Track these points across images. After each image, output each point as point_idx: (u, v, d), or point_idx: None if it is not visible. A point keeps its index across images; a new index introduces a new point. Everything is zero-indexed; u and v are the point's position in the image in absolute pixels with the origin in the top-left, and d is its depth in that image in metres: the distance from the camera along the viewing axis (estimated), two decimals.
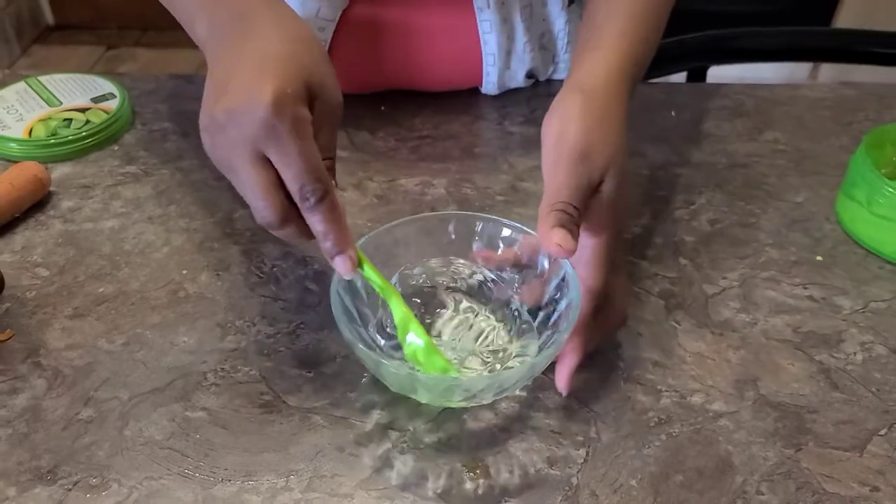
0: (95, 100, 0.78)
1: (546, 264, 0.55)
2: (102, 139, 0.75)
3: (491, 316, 0.55)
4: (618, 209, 0.52)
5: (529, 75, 0.82)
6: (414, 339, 0.51)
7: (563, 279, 0.53)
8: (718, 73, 0.97)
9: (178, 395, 0.54)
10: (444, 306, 0.55)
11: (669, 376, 0.55)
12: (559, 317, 0.52)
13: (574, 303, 0.50)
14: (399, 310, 0.51)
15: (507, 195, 0.70)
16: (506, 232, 0.57)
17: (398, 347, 0.53)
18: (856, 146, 0.67)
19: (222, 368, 0.55)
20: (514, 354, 0.53)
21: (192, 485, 0.48)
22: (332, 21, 0.76)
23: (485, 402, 0.52)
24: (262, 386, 0.54)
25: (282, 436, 0.51)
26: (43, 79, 0.81)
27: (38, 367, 0.55)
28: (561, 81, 0.75)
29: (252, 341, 0.57)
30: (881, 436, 0.52)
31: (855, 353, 0.57)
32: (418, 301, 0.55)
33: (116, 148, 0.76)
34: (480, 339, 0.54)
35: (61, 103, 0.78)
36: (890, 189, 0.62)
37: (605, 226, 0.51)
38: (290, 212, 0.48)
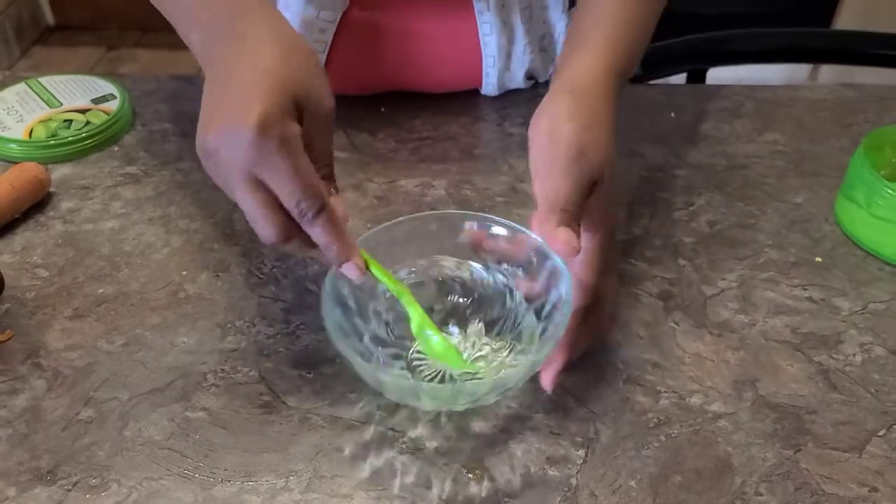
0: (96, 101, 0.78)
1: (534, 259, 0.55)
2: (102, 140, 0.75)
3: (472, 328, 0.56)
4: (610, 209, 0.53)
5: (529, 76, 0.82)
6: (431, 334, 0.52)
7: (553, 271, 0.53)
8: (718, 75, 0.97)
9: (177, 395, 0.54)
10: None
11: (668, 377, 0.55)
12: (552, 308, 0.52)
13: (566, 296, 0.50)
14: (414, 309, 0.51)
15: (506, 196, 0.70)
16: (497, 230, 0.56)
17: (397, 356, 0.53)
18: (855, 148, 0.67)
19: (222, 369, 0.55)
20: (501, 349, 0.54)
21: (191, 485, 0.48)
22: (333, 23, 0.76)
23: (489, 403, 0.52)
24: (262, 386, 0.54)
25: (281, 436, 0.51)
26: (43, 80, 0.81)
27: (38, 368, 0.55)
28: None
29: (252, 342, 0.57)
30: (880, 436, 0.52)
31: (854, 355, 0.57)
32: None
33: (116, 149, 0.76)
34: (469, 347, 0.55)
35: (61, 104, 0.78)
36: (889, 191, 0.62)
37: (599, 226, 0.52)
38: (292, 227, 0.48)
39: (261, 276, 0.62)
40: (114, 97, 0.79)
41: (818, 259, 0.65)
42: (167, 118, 0.79)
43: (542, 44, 0.81)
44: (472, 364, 0.53)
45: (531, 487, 0.49)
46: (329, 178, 0.51)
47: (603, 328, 0.56)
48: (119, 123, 0.77)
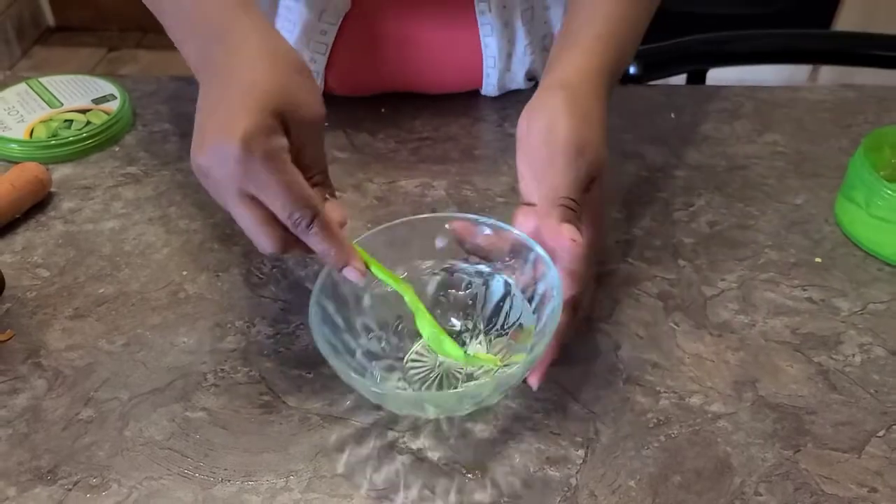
0: (96, 101, 0.79)
1: (518, 253, 0.54)
2: (103, 140, 0.75)
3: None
4: (602, 206, 0.54)
5: (530, 77, 0.82)
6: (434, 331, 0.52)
7: (535, 261, 0.52)
8: (718, 76, 0.97)
9: (178, 395, 0.54)
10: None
11: (668, 377, 0.55)
12: (541, 301, 0.52)
13: (556, 289, 0.50)
14: (417, 305, 0.52)
15: (507, 197, 0.70)
16: (485, 230, 0.56)
17: (391, 368, 0.54)
18: (855, 148, 0.67)
19: (222, 369, 0.55)
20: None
21: (191, 485, 0.49)
22: (335, 24, 0.76)
23: (492, 403, 0.52)
24: (262, 386, 0.54)
25: (281, 436, 0.51)
26: (44, 80, 0.82)
27: (38, 368, 0.55)
28: None
29: (252, 342, 0.57)
30: (879, 437, 0.52)
31: (853, 355, 0.57)
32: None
33: (117, 149, 0.76)
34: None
35: (62, 104, 0.78)
36: (889, 191, 0.62)
37: (592, 222, 0.53)
38: (289, 238, 0.48)
39: (260, 276, 0.62)
40: (114, 97, 0.79)
41: (818, 260, 0.65)
42: (167, 118, 0.79)
43: (544, 44, 0.81)
44: (474, 357, 0.53)
45: (531, 487, 0.49)
46: (323, 184, 0.52)
47: (580, 321, 0.56)
48: (119, 124, 0.77)
